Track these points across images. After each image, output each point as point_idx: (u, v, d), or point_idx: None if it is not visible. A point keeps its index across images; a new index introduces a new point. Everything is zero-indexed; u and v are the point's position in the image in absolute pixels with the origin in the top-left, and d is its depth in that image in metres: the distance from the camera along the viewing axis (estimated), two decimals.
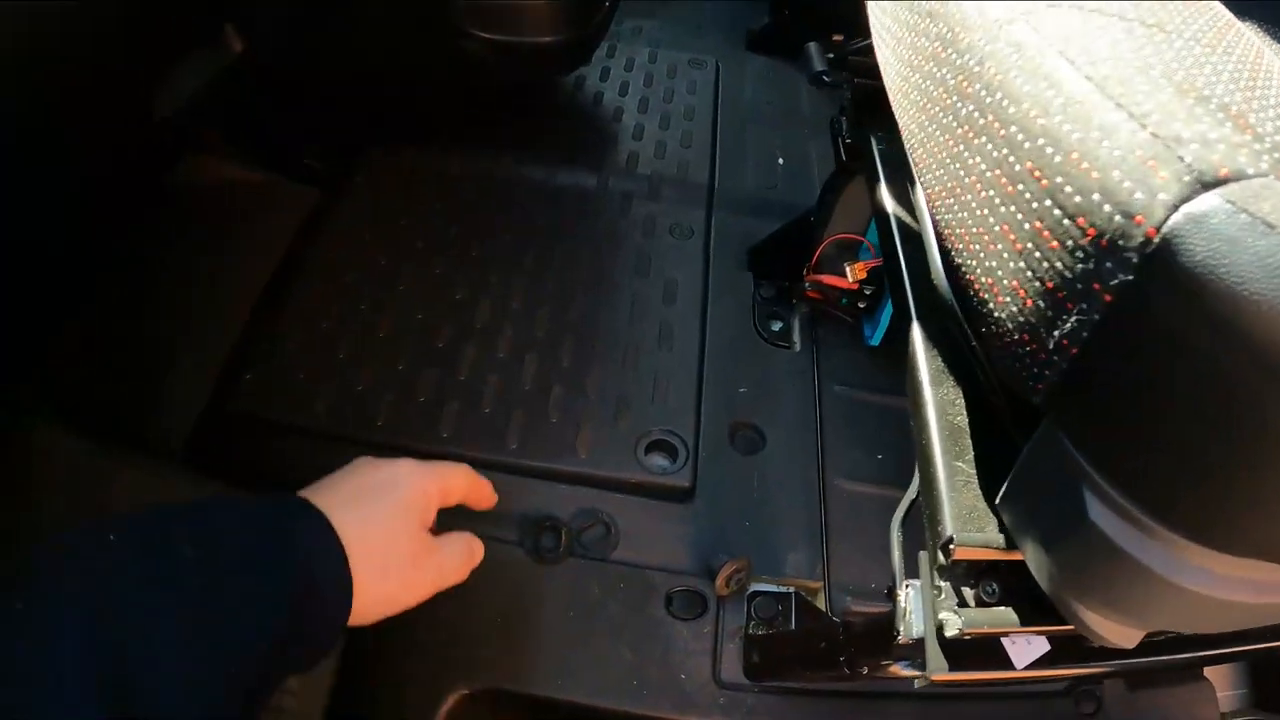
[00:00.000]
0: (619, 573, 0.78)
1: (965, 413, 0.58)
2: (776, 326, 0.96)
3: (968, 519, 0.52)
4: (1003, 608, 0.51)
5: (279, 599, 0.45)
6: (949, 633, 0.50)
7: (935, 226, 0.56)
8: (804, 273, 0.94)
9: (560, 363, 0.89)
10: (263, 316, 0.93)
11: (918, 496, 0.58)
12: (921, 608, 0.55)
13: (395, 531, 0.55)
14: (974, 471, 0.54)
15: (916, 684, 0.55)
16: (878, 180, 0.73)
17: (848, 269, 0.91)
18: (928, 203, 0.57)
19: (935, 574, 0.53)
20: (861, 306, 0.93)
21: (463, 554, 0.61)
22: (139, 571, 0.41)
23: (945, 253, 0.53)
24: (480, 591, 0.66)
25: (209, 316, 0.94)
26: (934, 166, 0.50)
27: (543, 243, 1.00)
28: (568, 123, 1.20)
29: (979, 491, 0.53)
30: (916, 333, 0.62)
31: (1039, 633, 0.54)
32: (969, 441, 0.56)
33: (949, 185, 0.48)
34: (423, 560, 0.57)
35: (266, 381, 0.87)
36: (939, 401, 0.59)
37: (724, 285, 0.99)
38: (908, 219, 0.69)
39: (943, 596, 0.53)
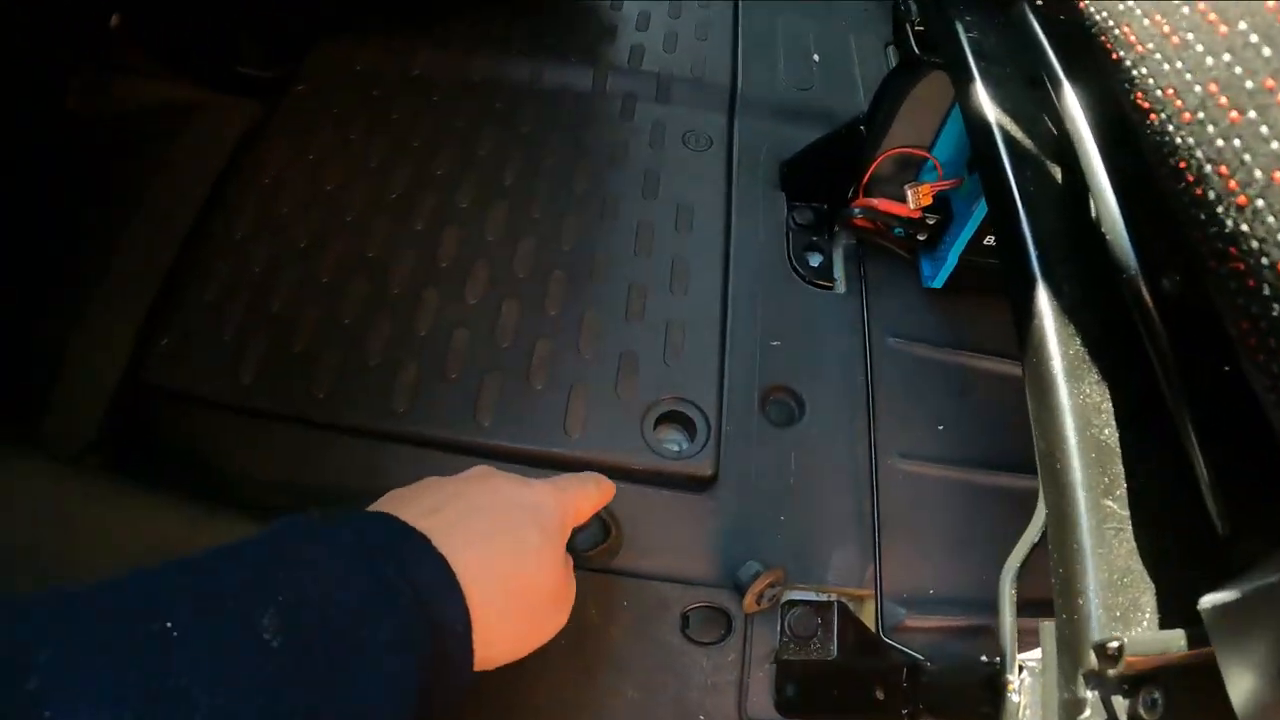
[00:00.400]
0: (622, 586, 0.61)
1: (1116, 425, 0.43)
2: (815, 261, 0.77)
3: (1122, 588, 0.39)
4: None
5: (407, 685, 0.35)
6: None
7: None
8: (851, 195, 0.75)
9: (546, 311, 0.71)
10: (183, 265, 0.75)
11: (1040, 541, 0.43)
12: (1043, 709, 0.40)
13: (533, 574, 0.45)
14: (1128, 514, 0.41)
15: None
16: (970, 78, 0.53)
17: (909, 192, 0.72)
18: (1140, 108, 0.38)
19: (1079, 677, 0.37)
20: (922, 239, 0.74)
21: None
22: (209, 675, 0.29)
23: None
24: None
25: (127, 269, 0.75)
26: None
27: (526, 157, 0.80)
28: (556, 10, 0.98)
29: (1135, 546, 0.40)
30: (1044, 299, 0.44)
31: None
32: (1120, 469, 0.42)
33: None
34: (562, 596, 0.48)
35: (185, 346, 0.70)
36: (1078, 406, 0.41)
37: (750, 208, 0.79)
38: (1024, 133, 0.51)
39: (1087, 710, 0.37)
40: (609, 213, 0.77)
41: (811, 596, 0.64)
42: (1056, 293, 0.48)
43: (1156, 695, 0.37)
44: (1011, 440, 0.70)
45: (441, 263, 0.73)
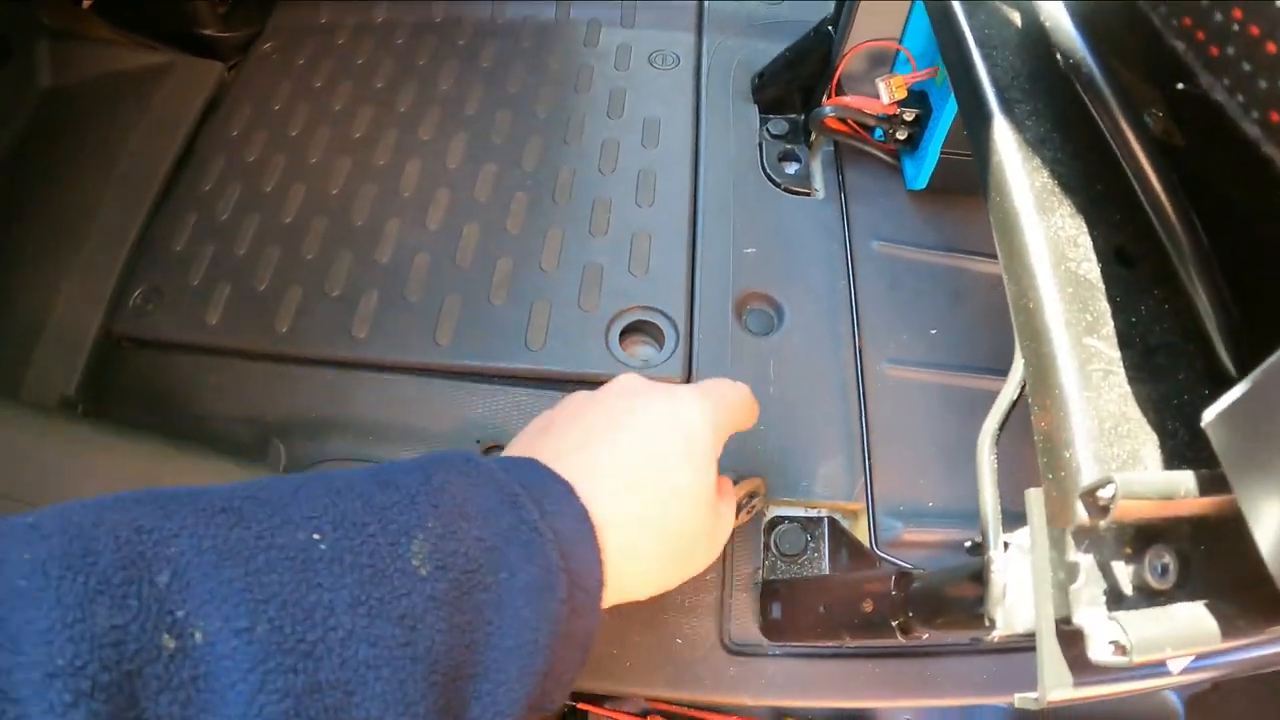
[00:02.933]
0: None
1: (1096, 257, 0.37)
2: (792, 169, 0.71)
3: (1116, 438, 0.32)
4: (1188, 606, 0.30)
5: (538, 653, 0.31)
6: (1096, 653, 0.29)
7: None
8: (824, 97, 0.68)
9: (508, 231, 0.65)
10: (153, 220, 0.71)
11: (1020, 394, 0.38)
12: (1034, 588, 0.32)
13: (682, 516, 0.40)
14: (1118, 355, 0.35)
15: (1017, 703, 0.32)
16: None
17: (881, 85, 0.65)
18: None
19: (1067, 538, 0.31)
20: (901, 139, 0.67)
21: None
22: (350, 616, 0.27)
23: None
24: None
25: (102, 229, 0.71)
26: None
27: (488, 88, 0.75)
28: None
29: (1129, 391, 0.34)
30: (1005, 134, 0.38)
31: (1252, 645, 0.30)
32: (1105, 306, 0.36)
33: None
34: (713, 533, 0.43)
35: (156, 295, 0.66)
36: (1051, 238, 0.35)
37: (721, 122, 0.73)
38: None
39: (1080, 578, 0.30)
40: (572, 134, 0.71)
41: (799, 512, 0.58)
42: (1018, 127, 0.42)
43: (1166, 559, 0.30)
44: (1009, 343, 0.63)
45: (403, 193, 0.68)
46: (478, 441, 0.57)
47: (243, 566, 0.26)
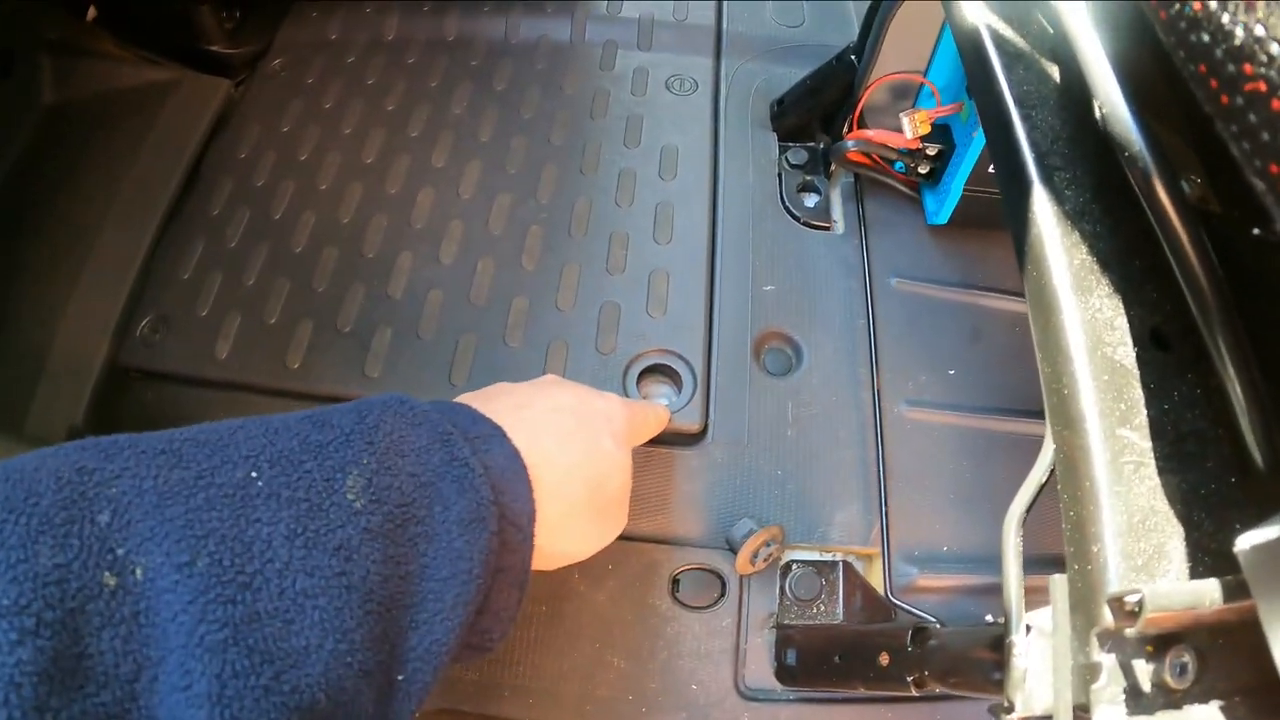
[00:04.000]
0: (608, 549, 0.55)
1: (1132, 344, 0.37)
2: (811, 202, 0.70)
3: (1144, 532, 0.33)
4: (1204, 709, 0.31)
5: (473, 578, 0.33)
6: None
7: None
8: (845, 129, 0.68)
9: (523, 267, 0.65)
10: (160, 244, 0.70)
11: (1048, 480, 0.37)
12: (1054, 673, 0.33)
13: (604, 475, 0.43)
14: (1149, 446, 0.34)
15: None
16: None
17: (905, 120, 0.64)
18: None
19: (1092, 639, 0.31)
20: (923, 173, 0.67)
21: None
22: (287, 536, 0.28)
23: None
24: None
25: (107, 254, 0.70)
26: None
27: (502, 113, 0.74)
28: None
29: (1159, 483, 0.34)
30: (1044, 206, 0.38)
31: None
32: (1139, 393, 0.36)
33: None
34: (625, 501, 0.47)
35: (163, 326, 0.66)
36: (1087, 322, 0.35)
37: (740, 150, 0.72)
38: (1015, 32, 0.44)
39: (1102, 677, 0.31)
40: (588, 164, 0.70)
41: (814, 556, 0.58)
42: (1058, 198, 0.41)
43: (1186, 659, 0.30)
44: (1029, 385, 0.63)
45: (416, 224, 0.68)
46: None
47: (183, 505, 0.27)
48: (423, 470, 0.33)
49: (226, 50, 0.81)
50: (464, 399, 0.43)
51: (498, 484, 0.35)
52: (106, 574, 0.24)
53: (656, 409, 0.54)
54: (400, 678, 0.31)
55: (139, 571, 0.25)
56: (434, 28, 0.81)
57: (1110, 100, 0.39)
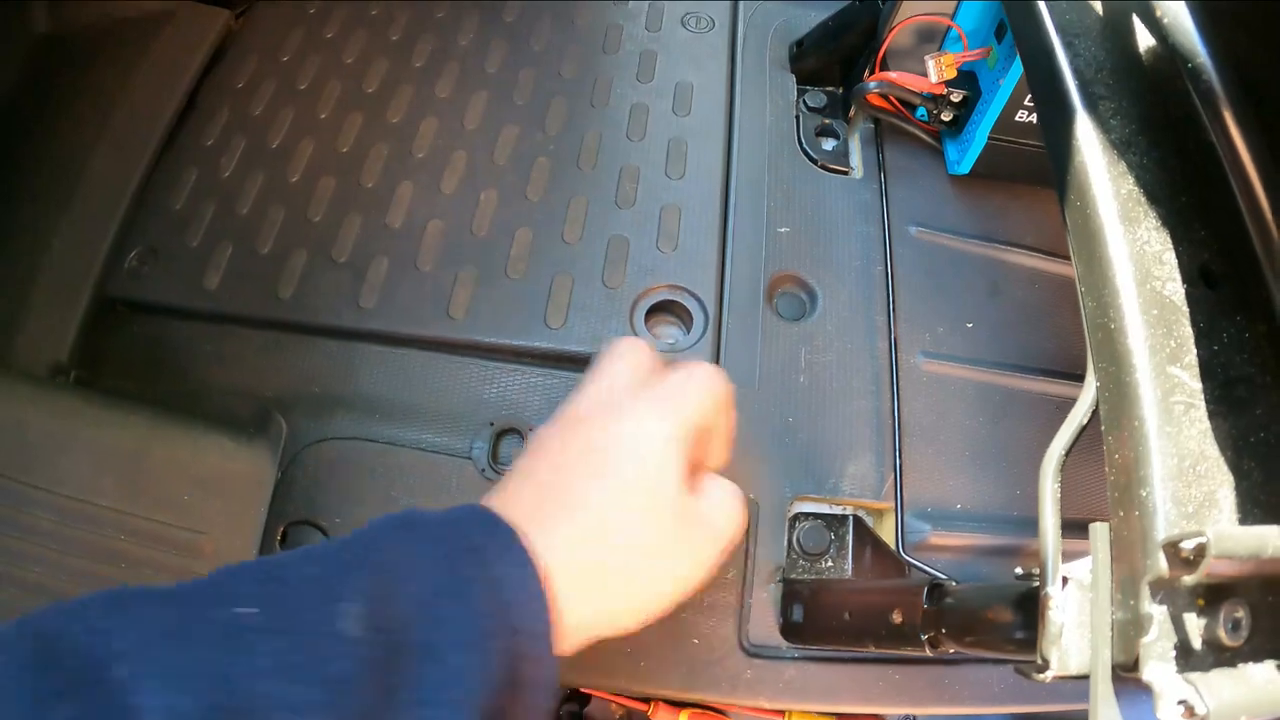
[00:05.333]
0: None
1: (1181, 277, 0.35)
2: (829, 145, 0.67)
3: (1195, 478, 0.31)
4: (1262, 668, 0.28)
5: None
6: (1166, 713, 0.27)
7: None
8: (867, 71, 0.65)
9: (528, 199, 0.61)
10: (152, 174, 0.67)
11: (1090, 421, 0.34)
12: (1093, 630, 0.31)
13: (646, 546, 0.39)
14: (1199, 386, 0.32)
15: None
16: None
17: (930, 63, 0.61)
18: None
19: (1143, 588, 0.29)
20: (946, 120, 0.63)
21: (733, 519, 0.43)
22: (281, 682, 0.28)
23: None
24: None
25: (98, 185, 0.67)
26: None
27: (510, 45, 0.71)
28: None
29: (1209, 426, 0.32)
30: (1088, 133, 0.35)
31: None
32: (1189, 331, 0.34)
33: None
34: (693, 554, 0.41)
35: (152, 256, 0.62)
36: (1136, 254, 0.32)
37: (757, 91, 0.68)
38: None
39: (1152, 631, 0.28)
40: (599, 98, 0.67)
41: (823, 509, 0.55)
42: (1103, 127, 0.38)
43: (1240, 614, 0.28)
44: (1050, 342, 0.60)
45: (417, 154, 0.64)
46: (490, 423, 0.54)
47: (179, 645, 0.28)
48: (425, 590, 0.32)
49: None
50: (504, 492, 0.40)
51: (502, 596, 0.34)
52: None
53: (710, 391, 0.44)
54: None
55: (146, 717, 0.26)
56: None
57: (1173, 11, 0.36)
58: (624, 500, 0.38)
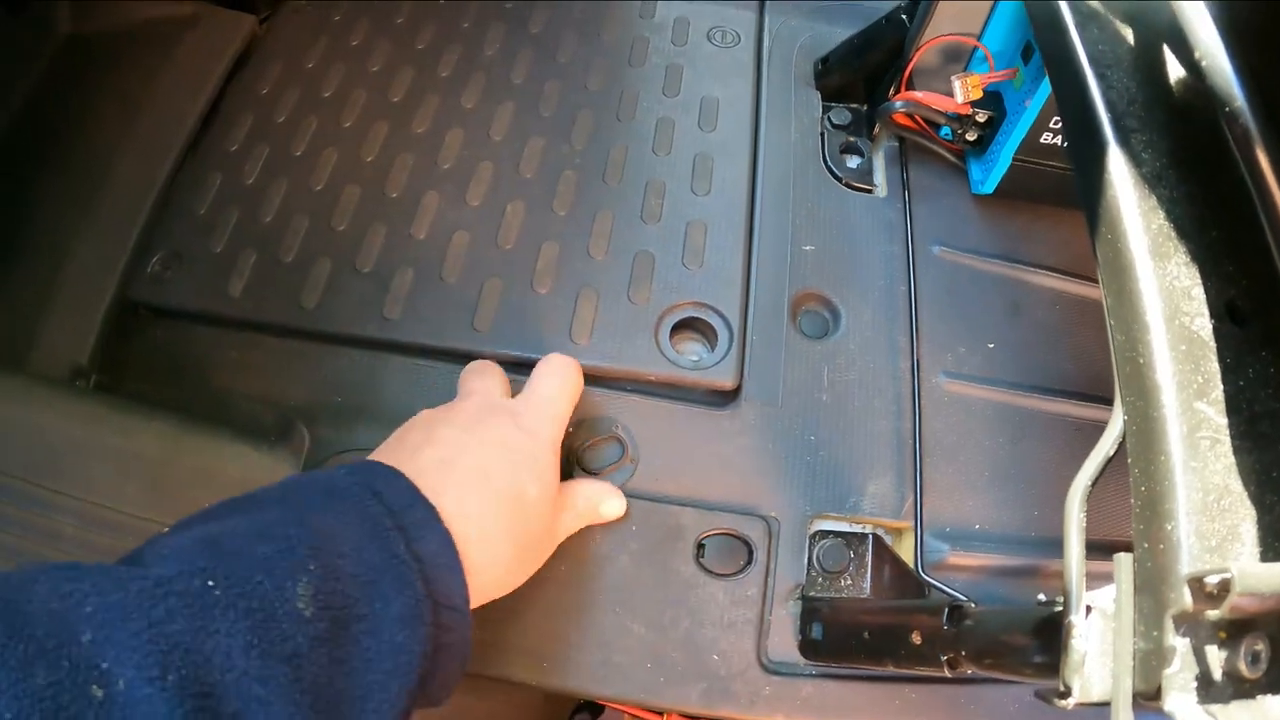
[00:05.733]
0: (631, 509, 0.53)
1: (1210, 315, 0.35)
2: (854, 163, 0.67)
3: (1219, 512, 0.31)
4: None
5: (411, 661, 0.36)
6: None
7: None
8: (892, 90, 0.65)
9: (554, 212, 0.62)
10: (176, 179, 0.67)
11: (1116, 453, 0.35)
12: (1114, 659, 0.31)
13: (529, 529, 0.45)
14: (1225, 421, 0.33)
15: None
16: None
17: (956, 83, 0.61)
18: None
19: (1167, 621, 0.30)
20: (971, 140, 0.64)
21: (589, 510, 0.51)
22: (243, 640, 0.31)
23: None
24: None
25: (120, 188, 0.67)
26: None
27: (537, 57, 0.71)
28: None
29: (1234, 461, 0.32)
30: (1120, 167, 0.35)
31: None
32: (1216, 367, 0.34)
33: None
34: (553, 535, 0.49)
35: (175, 261, 0.62)
36: (1165, 289, 0.32)
37: (782, 107, 0.69)
38: None
39: (1175, 663, 0.29)
40: (625, 111, 0.67)
41: (843, 527, 0.55)
42: (1134, 161, 0.39)
43: (1260, 647, 0.28)
44: (1070, 363, 0.60)
45: (443, 165, 0.64)
46: None
47: (145, 618, 0.29)
48: (363, 570, 0.35)
49: None
50: (384, 449, 0.45)
51: (431, 575, 0.37)
52: (94, 687, 0.27)
53: (564, 379, 0.52)
54: None
55: (121, 683, 0.28)
56: None
57: (1211, 52, 0.37)
58: (517, 489, 0.44)
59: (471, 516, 0.41)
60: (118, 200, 0.66)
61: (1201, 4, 0.38)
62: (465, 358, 0.55)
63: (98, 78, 0.74)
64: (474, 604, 0.40)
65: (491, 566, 0.42)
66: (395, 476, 0.40)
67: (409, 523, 0.38)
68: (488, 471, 0.43)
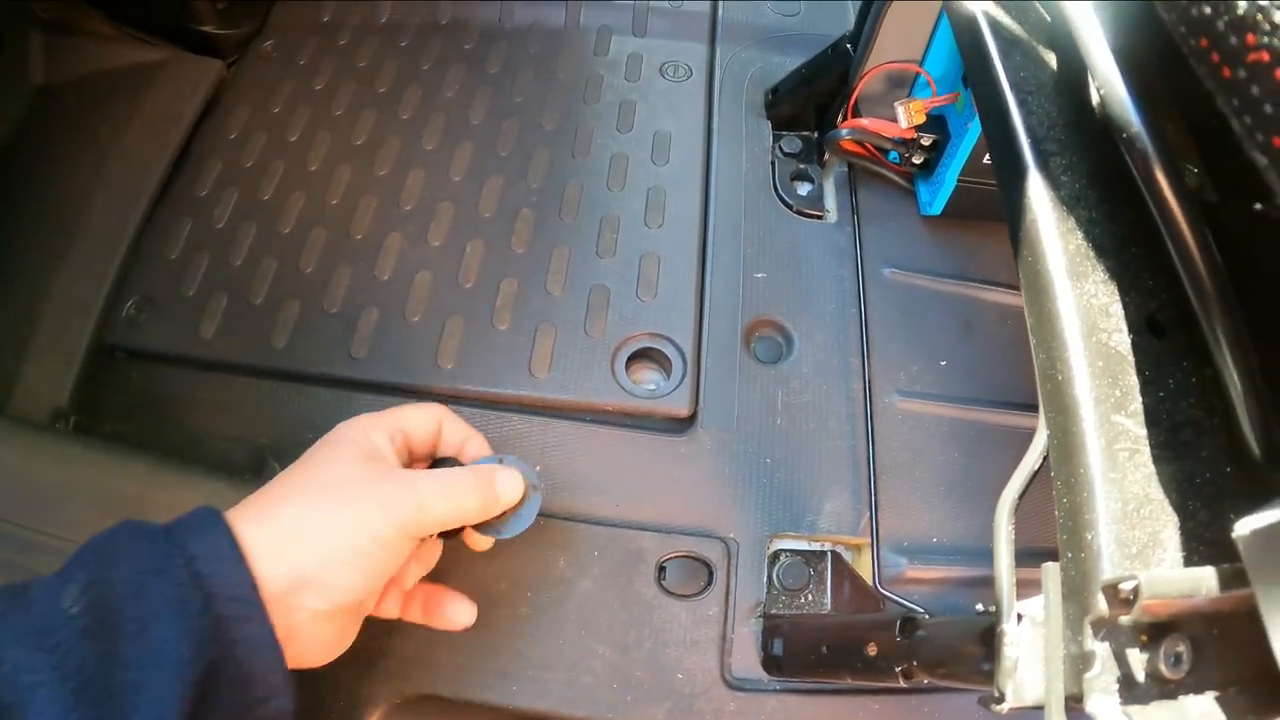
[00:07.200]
0: (593, 535, 0.55)
1: (1128, 328, 0.37)
2: (804, 190, 0.69)
3: (1139, 520, 0.32)
4: (1200, 699, 0.30)
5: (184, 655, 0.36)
6: None
7: None
8: (839, 118, 0.67)
9: (512, 250, 0.64)
10: (147, 225, 0.69)
11: (1040, 467, 0.37)
12: (1045, 663, 0.33)
13: (331, 508, 0.41)
14: (1144, 433, 0.34)
15: None
16: None
17: (900, 109, 0.64)
18: None
19: (1085, 627, 0.31)
20: (917, 163, 0.66)
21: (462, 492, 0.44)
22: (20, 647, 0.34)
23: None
24: None
25: (94, 233, 0.69)
26: None
27: (494, 96, 0.74)
28: None
29: (1154, 470, 0.34)
30: (1039, 191, 0.37)
31: None
32: (1134, 380, 0.35)
33: None
34: (391, 555, 0.43)
35: (149, 305, 0.65)
36: (1082, 308, 0.34)
37: (733, 138, 0.71)
38: (1012, 19, 0.44)
39: (1095, 666, 0.30)
40: (580, 148, 0.69)
41: (803, 545, 0.57)
42: (1053, 184, 0.41)
43: (1181, 649, 0.30)
44: (1020, 378, 0.62)
45: (405, 206, 0.67)
46: None
47: None
48: (132, 572, 0.37)
49: (218, 31, 0.79)
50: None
51: (205, 569, 0.38)
52: None
53: (416, 407, 0.48)
54: None
55: None
56: (427, 10, 0.80)
57: (1110, 83, 0.39)
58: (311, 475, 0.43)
59: (284, 519, 0.40)
60: (92, 246, 0.68)
61: (1101, 35, 0.40)
62: (429, 394, 0.57)
63: (70, 124, 0.76)
64: (323, 604, 0.40)
65: (289, 554, 0.40)
66: (196, 511, 0.41)
67: (180, 525, 0.39)
68: (304, 497, 0.42)
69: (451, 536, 0.48)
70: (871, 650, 0.45)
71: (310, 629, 0.41)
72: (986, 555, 0.56)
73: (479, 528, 0.47)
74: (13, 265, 0.68)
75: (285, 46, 0.79)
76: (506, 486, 0.46)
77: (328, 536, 0.40)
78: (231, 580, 0.38)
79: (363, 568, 0.41)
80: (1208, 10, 0.28)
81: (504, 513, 0.46)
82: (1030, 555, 0.41)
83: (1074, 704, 0.31)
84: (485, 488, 0.45)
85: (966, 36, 0.47)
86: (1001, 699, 0.33)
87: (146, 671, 0.35)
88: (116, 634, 0.36)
